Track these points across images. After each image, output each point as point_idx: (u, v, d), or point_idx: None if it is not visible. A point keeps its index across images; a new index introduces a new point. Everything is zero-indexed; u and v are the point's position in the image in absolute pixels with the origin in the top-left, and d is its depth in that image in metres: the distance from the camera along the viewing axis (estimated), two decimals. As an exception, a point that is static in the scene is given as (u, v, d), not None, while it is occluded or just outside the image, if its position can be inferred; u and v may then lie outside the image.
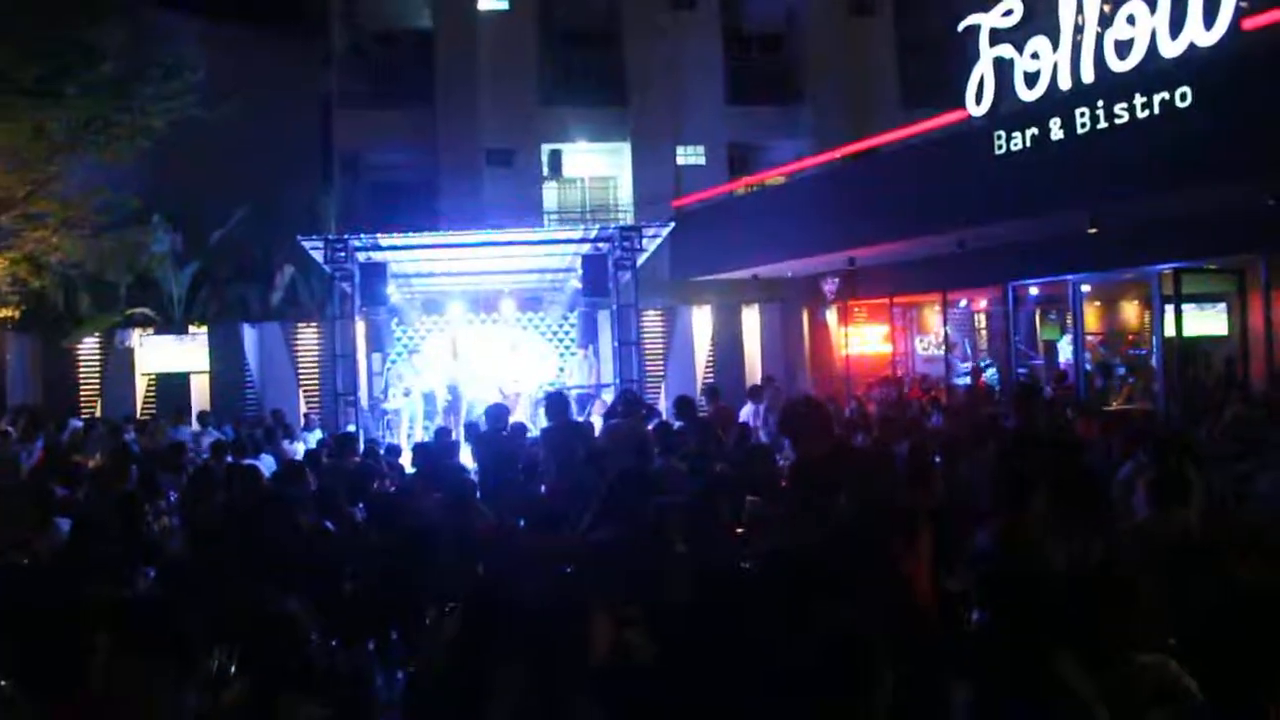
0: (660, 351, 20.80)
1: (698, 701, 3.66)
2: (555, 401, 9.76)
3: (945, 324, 19.52)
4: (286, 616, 3.48)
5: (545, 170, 23.88)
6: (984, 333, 21.28)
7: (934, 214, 14.37)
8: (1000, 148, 12.66)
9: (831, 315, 21.06)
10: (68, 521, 6.90)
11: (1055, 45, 11.93)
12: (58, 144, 13.54)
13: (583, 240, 15.44)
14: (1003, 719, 3.66)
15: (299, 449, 13.79)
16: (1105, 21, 11.38)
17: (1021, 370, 17.46)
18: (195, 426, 15.72)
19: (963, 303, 20.32)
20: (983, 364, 19.12)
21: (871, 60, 23.79)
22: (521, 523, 6.87)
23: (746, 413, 13.53)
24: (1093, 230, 12.97)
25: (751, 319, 21.46)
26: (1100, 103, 11.31)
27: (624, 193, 24.39)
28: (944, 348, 19.59)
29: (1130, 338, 18.46)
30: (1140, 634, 3.76)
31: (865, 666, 3.60)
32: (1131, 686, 3.63)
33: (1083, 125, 11.53)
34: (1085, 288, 16.50)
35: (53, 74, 13.08)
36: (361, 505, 7.73)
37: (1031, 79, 12.25)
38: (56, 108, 13.07)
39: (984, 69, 12.96)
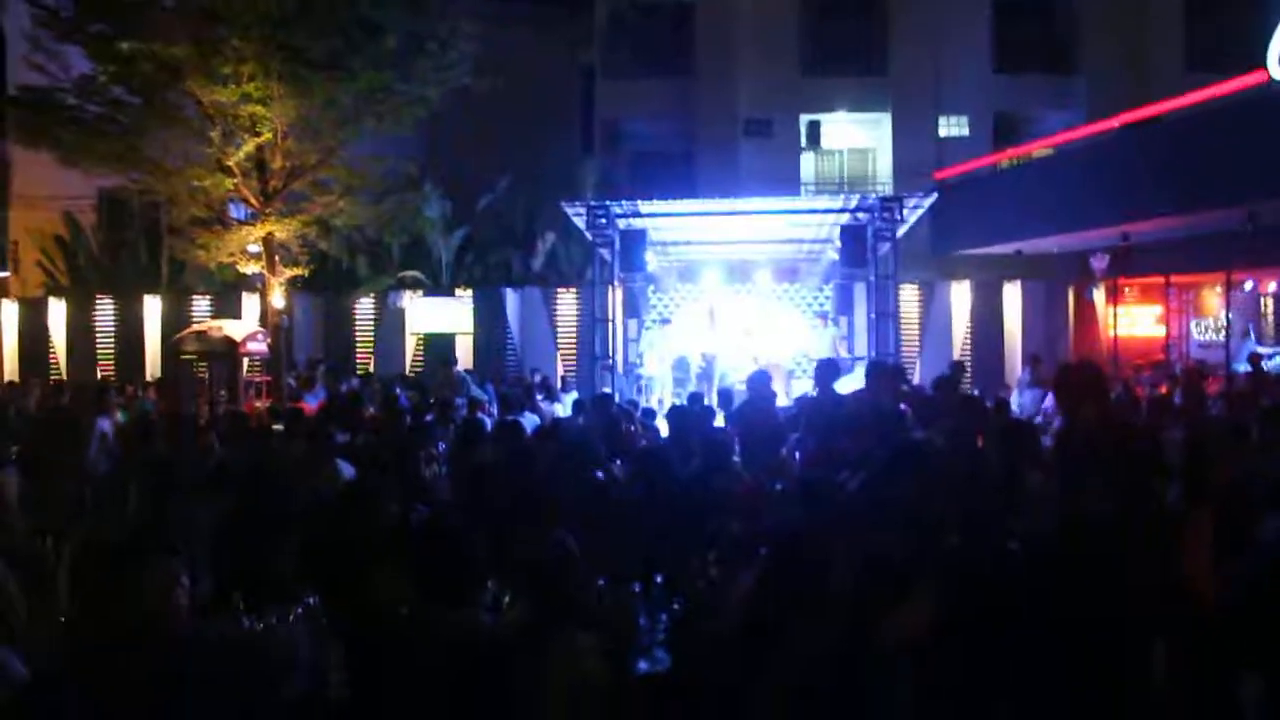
0: (916, 327, 20.35)
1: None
2: (824, 369, 9.59)
3: (1227, 307, 18.27)
4: (563, 549, 3.62)
5: (803, 141, 23.70)
6: (1271, 318, 19.84)
7: (1221, 186, 13.43)
8: (1303, 114, 11.72)
9: (1099, 294, 20.05)
10: (349, 465, 7.39)
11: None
12: (345, 114, 14.40)
13: (842, 210, 15.24)
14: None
15: (558, 409, 14.21)
16: None
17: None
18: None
19: (1248, 284, 18.96)
20: (1265, 351, 17.80)
21: (1152, 22, 22.38)
22: (778, 486, 6.88)
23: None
24: (1405, 204, 11.87)
25: (1012, 296, 20.68)
26: None
27: (883, 164, 23.99)
28: (1224, 332, 18.35)
29: None
30: None
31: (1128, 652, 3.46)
32: None
33: (1405, 87, 10.53)
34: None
35: (341, 49, 13.93)
36: (619, 461, 7.92)
37: (1345, 38, 11.27)
38: (345, 80, 13.88)
39: (1290, 25, 12.01)
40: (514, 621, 3.48)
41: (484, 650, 3.21)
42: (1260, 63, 12.49)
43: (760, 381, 9.98)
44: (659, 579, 4.53)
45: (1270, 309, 19.83)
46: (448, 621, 3.24)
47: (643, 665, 4.03)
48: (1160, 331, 19.56)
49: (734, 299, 19.33)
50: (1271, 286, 18.59)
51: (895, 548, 3.90)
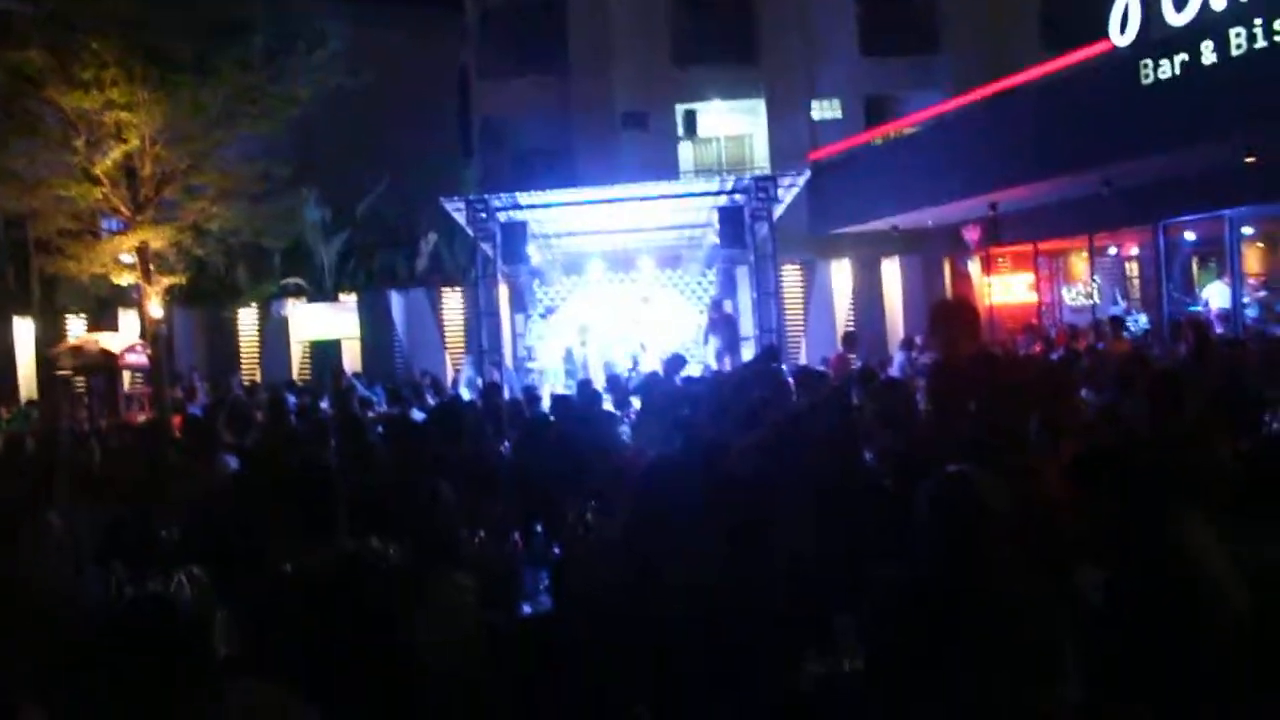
0: (800, 306, 20.77)
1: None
2: (671, 363, 9.92)
3: (1093, 271, 18.96)
4: (434, 492, 3.70)
5: (680, 130, 23.93)
6: (1136, 281, 20.62)
7: (1078, 152, 13.98)
8: (1147, 77, 12.23)
9: (974, 265, 20.68)
10: (234, 459, 7.40)
11: (1208, -39, 11.44)
12: (215, 117, 14.16)
13: (719, 192, 15.45)
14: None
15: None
16: (1264, -68, 10.89)
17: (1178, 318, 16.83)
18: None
19: (1112, 250, 19.71)
20: (1127, 314, 18.50)
21: (1010, 2, 23.08)
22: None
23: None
24: (1250, 160, 12.44)
25: (892, 271, 21.24)
26: (1258, 21, 10.81)
27: (760, 150, 24.33)
28: (1092, 296, 19.04)
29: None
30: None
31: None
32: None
33: (1238, 47, 11.05)
34: (1248, 230, 15.84)
35: (207, 50, 13.72)
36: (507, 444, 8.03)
37: (1180, 2, 11.79)
38: (212, 81, 13.67)
39: (1128, -5, 12.55)
40: (393, 562, 3.56)
41: (364, 586, 3.27)
42: (1104, 33, 13.01)
43: (673, 364, 10.26)
44: (539, 529, 4.66)
45: (1135, 273, 20.60)
46: (326, 562, 3.29)
47: (526, 609, 4.14)
48: (1034, 298, 20.20)
49: (618, 288, 19.47)
50: (1133, 250, 19.32)
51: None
